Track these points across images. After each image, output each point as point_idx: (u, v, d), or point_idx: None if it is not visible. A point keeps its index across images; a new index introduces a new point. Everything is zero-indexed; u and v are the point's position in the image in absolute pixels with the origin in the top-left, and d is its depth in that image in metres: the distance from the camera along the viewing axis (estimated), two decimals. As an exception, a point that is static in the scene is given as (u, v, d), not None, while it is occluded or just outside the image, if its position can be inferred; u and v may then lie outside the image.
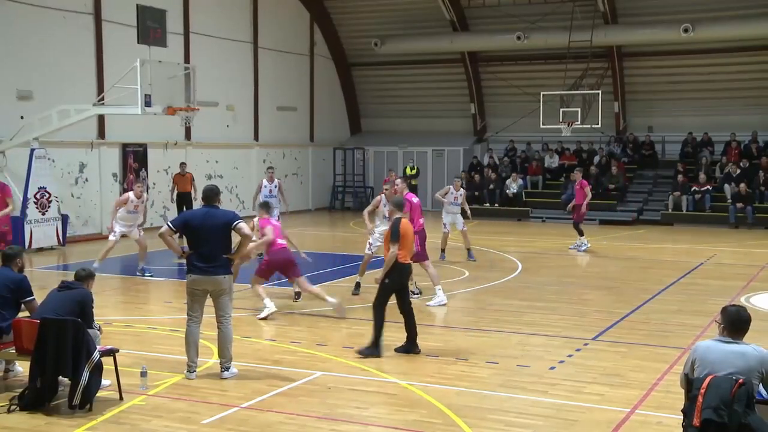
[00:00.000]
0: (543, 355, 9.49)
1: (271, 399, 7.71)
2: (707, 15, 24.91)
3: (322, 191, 30.27)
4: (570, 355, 9.44)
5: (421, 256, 12.26)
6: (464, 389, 8.07)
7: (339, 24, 30.02)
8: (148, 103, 16.61)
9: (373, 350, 9.18)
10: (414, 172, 27.69)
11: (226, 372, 8.37)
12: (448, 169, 29.30)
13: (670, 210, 24.56)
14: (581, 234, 18.46)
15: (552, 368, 8.87)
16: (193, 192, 19.82)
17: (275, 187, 17.37)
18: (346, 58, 30.85)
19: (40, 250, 17.99)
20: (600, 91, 24.41)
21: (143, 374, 7.93)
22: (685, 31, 24.41)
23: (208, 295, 8.35)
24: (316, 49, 29.72)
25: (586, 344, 10.00)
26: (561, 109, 23.92)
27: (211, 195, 8.52)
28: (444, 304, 12.18)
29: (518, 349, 9.76)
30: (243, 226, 8.31)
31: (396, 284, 9.28)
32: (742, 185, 23.63)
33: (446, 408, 7.43)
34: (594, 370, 8.80)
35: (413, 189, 27.75)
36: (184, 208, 19.31)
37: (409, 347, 9.35)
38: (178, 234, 8.41)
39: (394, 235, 9.19)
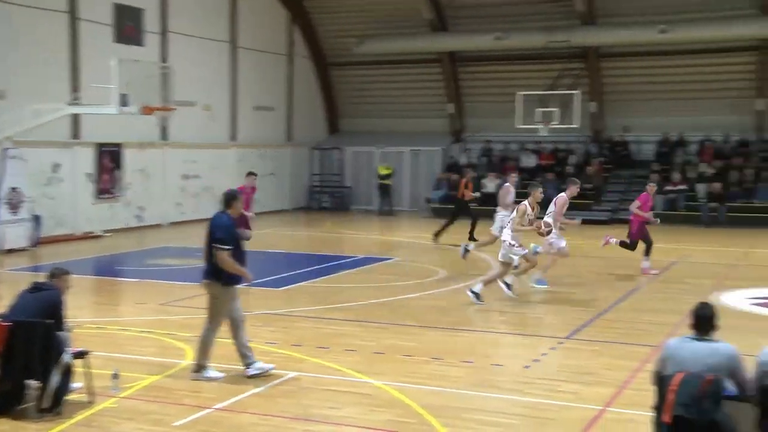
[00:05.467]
0: (516, 354, 9.54)
1: (246, 400, 7.66)
2: (683, 16, 25.07)
3: (299, 191, 30.18)
4: (544, 354, 9.49)
5: None
6: (439, 389, 8.06)
7: (318, 24, 29.94)
8: (124, 102, 16.48)
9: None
10: (389, 171, 27.68)
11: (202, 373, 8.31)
12: (424, 169, 29.35)
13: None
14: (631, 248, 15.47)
15: (527, 367, 8.90)
16: None
17: None
18: (325, 57, 30.76)
19: (11, 251, 17.68)
20: (578, 92, 24.54)
21: (115, 376, 7.85)
22: (662, 32, 24.58)
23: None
24: (295, 49, 29.64)
25: (560, 342, 10.06)
26: (538, 110, 24.03)
27: (224, 199, 8.42)
28: None
29: (490, 348, 9.79)
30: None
31: None
32: (716, 185, 24.02)
33: (420, 408, 7.42)
34: (568, 368, 8.85)
35: (386, 189, 27.95)
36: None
37: None
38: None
39: None
